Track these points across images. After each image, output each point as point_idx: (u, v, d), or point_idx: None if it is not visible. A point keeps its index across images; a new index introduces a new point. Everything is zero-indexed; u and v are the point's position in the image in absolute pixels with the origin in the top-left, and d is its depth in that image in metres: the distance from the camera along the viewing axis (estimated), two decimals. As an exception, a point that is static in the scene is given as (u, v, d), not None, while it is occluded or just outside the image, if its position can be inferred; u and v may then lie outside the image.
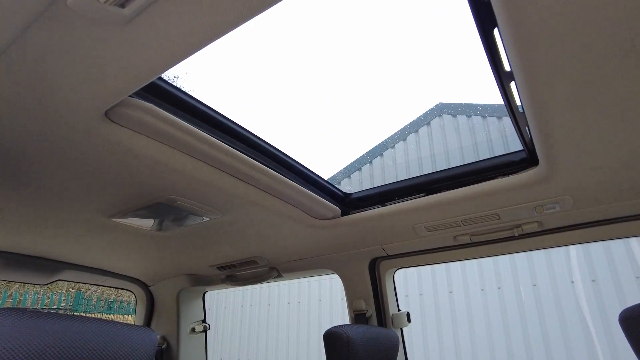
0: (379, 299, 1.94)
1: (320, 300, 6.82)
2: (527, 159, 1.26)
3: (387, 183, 1.57)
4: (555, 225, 1.54)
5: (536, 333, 5.15)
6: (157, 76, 0.80)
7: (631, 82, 0.79)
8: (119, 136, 0.96)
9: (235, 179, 1.24)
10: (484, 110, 5.94)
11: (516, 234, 1.57)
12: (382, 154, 6.62)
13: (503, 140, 5.76)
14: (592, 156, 1.08)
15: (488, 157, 1.41)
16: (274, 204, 1.42)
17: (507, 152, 1.33)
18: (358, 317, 1.89)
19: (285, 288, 7.24)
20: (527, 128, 1.06)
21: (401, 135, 6.53)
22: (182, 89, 0.98)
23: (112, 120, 0.92)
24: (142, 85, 0.82)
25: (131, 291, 2.48)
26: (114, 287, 2.53)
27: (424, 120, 6.44)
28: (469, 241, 1.66)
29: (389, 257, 1.92)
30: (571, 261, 5.21)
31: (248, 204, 1.39)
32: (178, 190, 1.25)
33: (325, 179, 1.54)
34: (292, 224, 1.62)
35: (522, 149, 1.25)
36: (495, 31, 0.77)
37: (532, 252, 5.43)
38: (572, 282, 5.10)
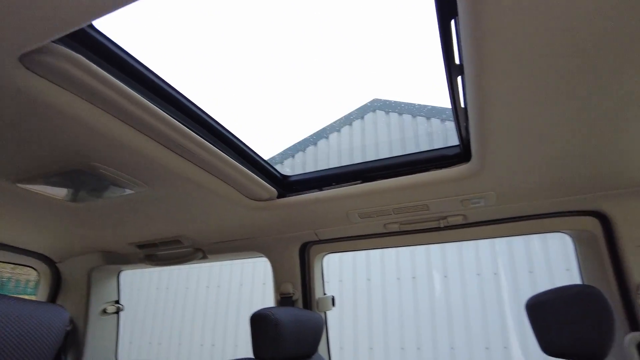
0: (306, 283, 1.95)
1: (241, 285, 6.74)
2: (460, 154, 1.33)
3: (325, 168, 1.57)
4: (478, 219, 1.65)
5: (442, 321, 5.57)
6: (89, 22, 0.70)
7: (573, 84, 0.85)
8: (34, 87, 0.84)
9: (167, 149, 1.15)
10: (414, 110, 6.22)
11: (442, 225, 1.66)
12: (316, 143, 6.66)
13: (429, 139, 6.08)
14: (520, 156, 1.17)
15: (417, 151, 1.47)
16: (207, 180, 1.35)
17: (442, 147, 1.39)
18: (284, 300, 1.89)
19: (205, 271, 7.04)
20: (465, 124, 1.11)
21: (335, 127, 6.62)
22: (118, 43, 0.88)
23: (27, 68, 0.79)
24: (70, 31, 0.71)
25: (34, 268, 2.24)
26: (12, 263, 2.26)
27: (359, 114, 6.59)
28: (398, 229, 1.73)
29: (320, 241, 1.93)
30: (479, 255, 5.69)
31: (178, 179, 1.31)
32: (102, 157, 1.13)
33: (265, 159, 1.50)
34: (224, 203, 1.55)
35: (458, 144, 1.31)
36: (452, 23, 0.79)
37: (446, 245, 5.84)
38: (478, 274, 5.58)
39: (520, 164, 1.23)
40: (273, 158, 6.77)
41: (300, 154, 6.68)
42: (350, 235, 1.86)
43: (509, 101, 0.91)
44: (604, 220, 1.54)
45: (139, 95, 0.94)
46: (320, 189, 1.56)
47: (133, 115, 0.97)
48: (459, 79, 0.94)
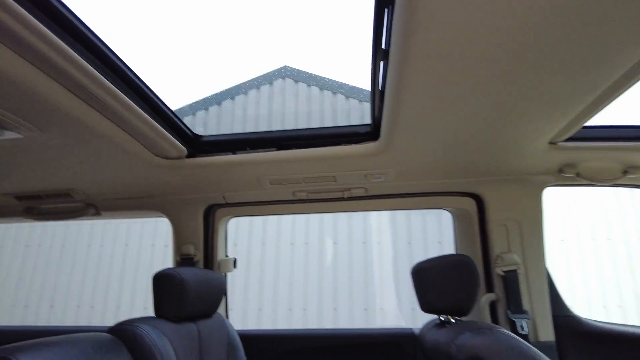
0: (208, 245, 1.95)
1: (127, 245, 6.36)
2: (370, 132, 1.43)
3: (240, 132, 1.57)
4: (377, 193, 1.81)
5: (329, 284, 5.97)
6: None
7: (479, 85, 0.99)
8: None
9: (67, 91, 1.02)
10: (323, 83, 6.33)
11: (345, 196, 1.79)
12: (220, 103, 6.41)
13: (333, 114, 6.29)
14: (422, 140, 1.31)
15: (321, 126, 1.56)
16: (111, 131, 1.24)
17: (355, 124, 1.49)
18: (185, 260, 1.87)
19: (87, 229, 6.47)
20: (380, 105, 1.20)
21: (242, 89, 6.44)
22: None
23: None
24: None
25: None
26: None
27: (268, 79, 6.48)
28: (305, 197, 1.81)
29: (227, 205, 1.93)
30: (366, 225, 6.17)
31: (78, 126, 1.18)
32: None
33: (176, 113, 1.43)
34: (127, 158, 1.46)
35: (370, 123, 1.41)
36: (386, 11, 0.85)
37: (338, 214, 6.21)
38: (364, 243, 6.07)
39: (420, 147, 1.38)
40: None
41: (202, 112, 6.39)
42: (258, 200, 1.89)
43: (423, 91, 1.01)
44: (479, 201, 1.81)
45: (39, 23, 0.82)
46: (234, 153, 1.55)
47: (30, 45, 0.84)
48: (382, 63, 1.02)
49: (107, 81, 1.02)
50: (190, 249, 1.87)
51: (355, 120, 6.07)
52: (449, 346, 1.12)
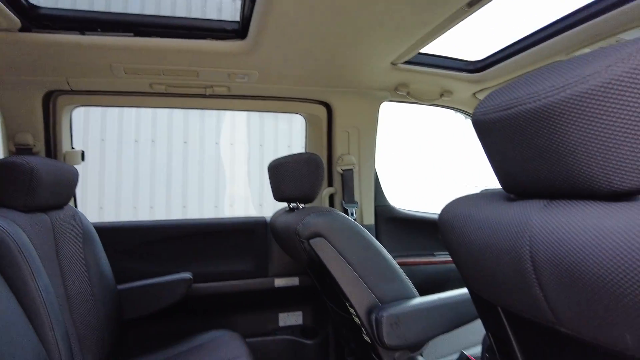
0: (49, 135, 1.77)
1: None
2: (237, 30, 1.45)
3: (91, 10, 1.40)
4: (239, 93, 1.87)
5: (177, 183, 5.93)
6: None
7: (340, 3, 1.10)
8: None
9: None
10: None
11: (207, 93, 1.80)
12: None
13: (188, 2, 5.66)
14: (287, 45, 1.41)
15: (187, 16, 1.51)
16: None
17: (222, 19, 1.47)
18: (21, 151, 1.69)
19: None
20: (252, 4, 1.23)
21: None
22: None
23: None
24: None
25: None
26: None
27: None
28: (164, 91, 1.76)
29: (72, 92, 1.75)
30: (219, 126, 6.13)
31: None
32: None
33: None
34: None
35: (238, 20, 1.42)
36: None
37: (189, 112, 5.98)
38: (217, 143, 6.07)
39: (284, 52, 1.47)
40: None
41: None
42: (110, 89, 1.76)
43: None
44: (328, 109, 2.04)
45: None
46: (82, 33, 1.39)
47: None
48: None
49: None
50: (27, 138, 1.68)
51: (212, 14, 5.61)
52: (297, 225, 1.36)
